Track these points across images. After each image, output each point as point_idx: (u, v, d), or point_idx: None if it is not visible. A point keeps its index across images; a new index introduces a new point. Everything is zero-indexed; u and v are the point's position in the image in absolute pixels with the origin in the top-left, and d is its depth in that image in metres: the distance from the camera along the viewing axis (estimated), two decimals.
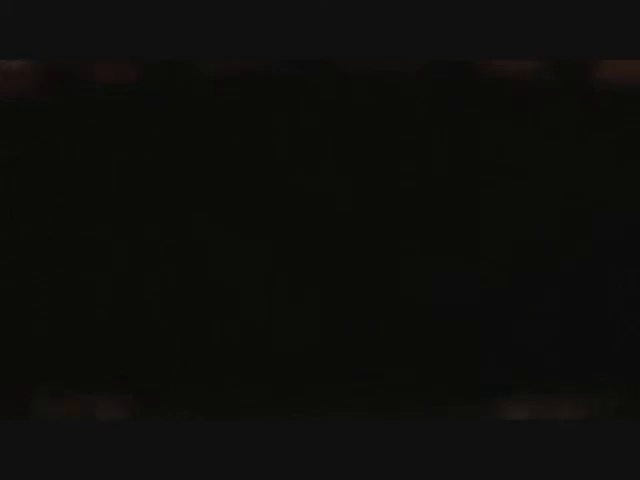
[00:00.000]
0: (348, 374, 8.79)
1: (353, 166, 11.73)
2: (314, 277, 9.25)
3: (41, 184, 11.32)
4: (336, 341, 9.51)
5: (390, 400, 8.81)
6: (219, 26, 6.94)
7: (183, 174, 11.67)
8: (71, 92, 10.37)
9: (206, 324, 11.54)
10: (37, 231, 11.10)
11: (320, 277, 9.17)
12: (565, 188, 11.03)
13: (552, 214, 11.06)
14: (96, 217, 11.48)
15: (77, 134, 11.21)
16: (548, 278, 10.36)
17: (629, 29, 5.52)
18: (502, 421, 6.98)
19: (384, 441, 5.30)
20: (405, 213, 11.32)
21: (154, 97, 10.90)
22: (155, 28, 6.42)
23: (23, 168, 11.30)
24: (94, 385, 10.07)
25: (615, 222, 10.56)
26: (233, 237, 11.95)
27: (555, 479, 4.81)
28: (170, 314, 11.13)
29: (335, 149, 11.47)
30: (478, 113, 10.84)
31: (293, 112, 11.01)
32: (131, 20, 5.96)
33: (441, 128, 11.07)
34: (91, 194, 11.31)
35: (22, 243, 11.23)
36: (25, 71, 9.29)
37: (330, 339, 10.50)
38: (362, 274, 9.11)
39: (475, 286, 10.59)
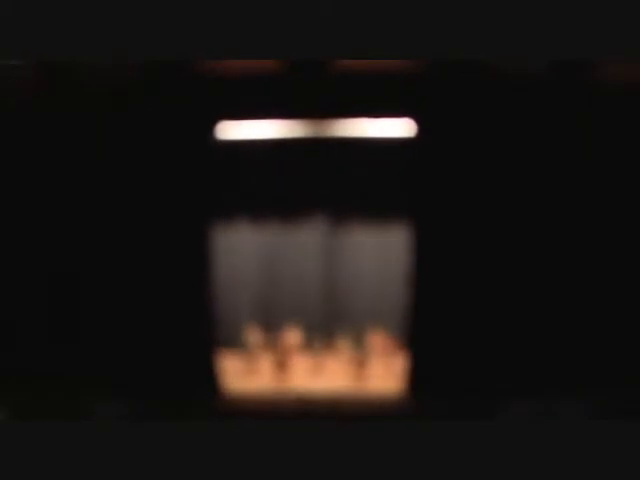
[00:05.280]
0: None
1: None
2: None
3: (41, 182, 11.08)
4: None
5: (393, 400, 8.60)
6: (218, 27, 6.81)
7: (181, 172, 11.41)
8: (71, 92, 10.22)
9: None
10: (38, 230, 10.89)
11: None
12: (565, 186, 10.82)
13: (551, 212, 10.85)
14: (97, 215, 11.29)
15: (77, 133, 11.05)
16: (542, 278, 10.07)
17: (629, 30, 5.47)
18: (503, 421, 6.89)
19: (385, 441, 5.26)
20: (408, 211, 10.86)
21: (154, 97, 10.77)
22: (154, 28, 6.33)
23: (22, 166, 11.09)
24: (92, 386, 9.87)
25: (614, 221, 10.41)
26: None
27: (555, 479, 4.80)
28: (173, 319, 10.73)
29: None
30: (479, 112, 10.72)
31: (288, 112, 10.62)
32: (131, 20, 5.89)
33: (445, 126, 10.85)
34: (91, 192, 11.12)
35: (21, 241, 11.00)
36: (25, 71, 9.14)
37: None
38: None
39: (476, 288, 10.37)
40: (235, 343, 12.65)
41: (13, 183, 10.86)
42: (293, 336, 12.41)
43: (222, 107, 10.78)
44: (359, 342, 11.44)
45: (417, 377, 10.44)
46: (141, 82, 10.38)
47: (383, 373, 11.55)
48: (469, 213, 10.39)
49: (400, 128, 11.31)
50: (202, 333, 10.56)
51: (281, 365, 10.81)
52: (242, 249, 14.36)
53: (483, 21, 7.55)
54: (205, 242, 10.20)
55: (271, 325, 12.98)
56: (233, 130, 11.92)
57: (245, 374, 11.34)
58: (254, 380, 11.05)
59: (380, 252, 14.20)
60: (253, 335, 11.77)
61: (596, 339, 10.30)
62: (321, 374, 11.51)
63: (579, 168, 10.48)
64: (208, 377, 10.45)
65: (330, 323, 13.94)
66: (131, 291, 10.48)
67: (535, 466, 5.82)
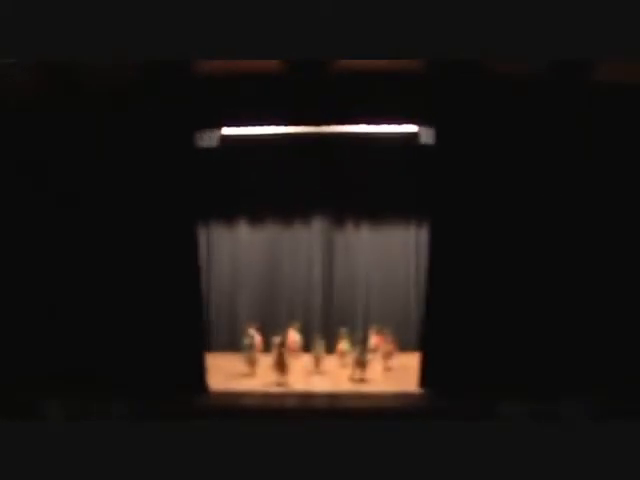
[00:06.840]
0: None
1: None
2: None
3: (40, 180, 11.02)
4: None
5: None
6: (218, 27, 6.77)
7: (181, 171, 11.36)
8: (71, 92, 10.17)
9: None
10: (36, 229, 10.83)
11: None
12: (564, 185, 10.76)
13: (549, 212, 10.79)
14: (97, 214, 11.22)
15: (77, 132, 10.99)
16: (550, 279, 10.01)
17: (629, 30, 5.46)
18: (502, 421, 6.86)
19: (387, 441, 5.24)
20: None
21: (154, 97, 10.73)
22: (154, 28, 6.30)
23: (22, 165, 11.02)
24: (92, 387, 9.78)
25: (614, 221, 10.34)
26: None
27: (555, 478, 4.78)
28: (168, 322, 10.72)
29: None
30: (479, 112, 10.67)
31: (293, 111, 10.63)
32: (131, 20, 5.86)
33: (445, 126, 10.83)
34: (91, 191, 11.06)
35: (18, 241, 10.89)
36: (25, 71, 9.10)
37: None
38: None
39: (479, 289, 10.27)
40: (235, 344, 12.63)
41: (12, 182, 10.86)
42: (293, 336, 12.38)
43: (222, 107, 10.78)
44: (359, 342, 11.41)
45: (419, 377, 10.45)
46: (141, 82, 10.37)
47: (383, 373, 11.53)
48: (468, 212, 10.37)
49: (400, 128, 11.30)
50: (200, 333, 10.56)
51: (281, 365, 10.77)
52: (242, 249, 14.33)
53: (483, 21, 7.55)
54: (203, 242, 10.17)
55: (271, 325, 12.95)
56: (233, 130, 11.91)
57: (245, 375, 11.32)
58: (254, 380, 11.04)
59: (380, 252, 14.20)
60: (253, 336, 11.74)
61: (596, 340, 10.29)
62: (321, 374, 11.50)
63: (579, 167, 10.47)
64: (205, 377, 10.46)
65: (330, 323, 13.93)
66: (130, 292, 10.48)
67: (535, 466, 5.81)
